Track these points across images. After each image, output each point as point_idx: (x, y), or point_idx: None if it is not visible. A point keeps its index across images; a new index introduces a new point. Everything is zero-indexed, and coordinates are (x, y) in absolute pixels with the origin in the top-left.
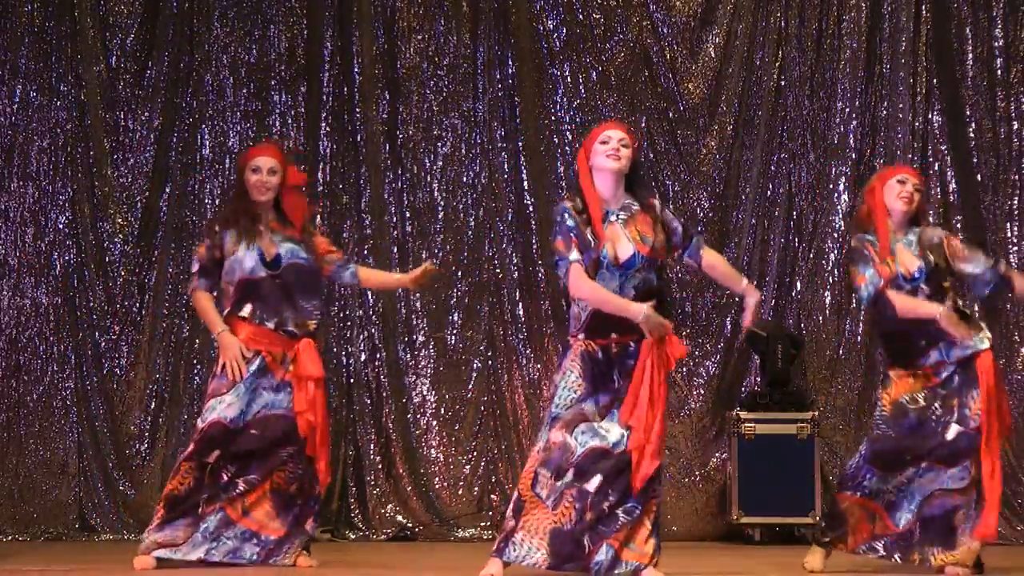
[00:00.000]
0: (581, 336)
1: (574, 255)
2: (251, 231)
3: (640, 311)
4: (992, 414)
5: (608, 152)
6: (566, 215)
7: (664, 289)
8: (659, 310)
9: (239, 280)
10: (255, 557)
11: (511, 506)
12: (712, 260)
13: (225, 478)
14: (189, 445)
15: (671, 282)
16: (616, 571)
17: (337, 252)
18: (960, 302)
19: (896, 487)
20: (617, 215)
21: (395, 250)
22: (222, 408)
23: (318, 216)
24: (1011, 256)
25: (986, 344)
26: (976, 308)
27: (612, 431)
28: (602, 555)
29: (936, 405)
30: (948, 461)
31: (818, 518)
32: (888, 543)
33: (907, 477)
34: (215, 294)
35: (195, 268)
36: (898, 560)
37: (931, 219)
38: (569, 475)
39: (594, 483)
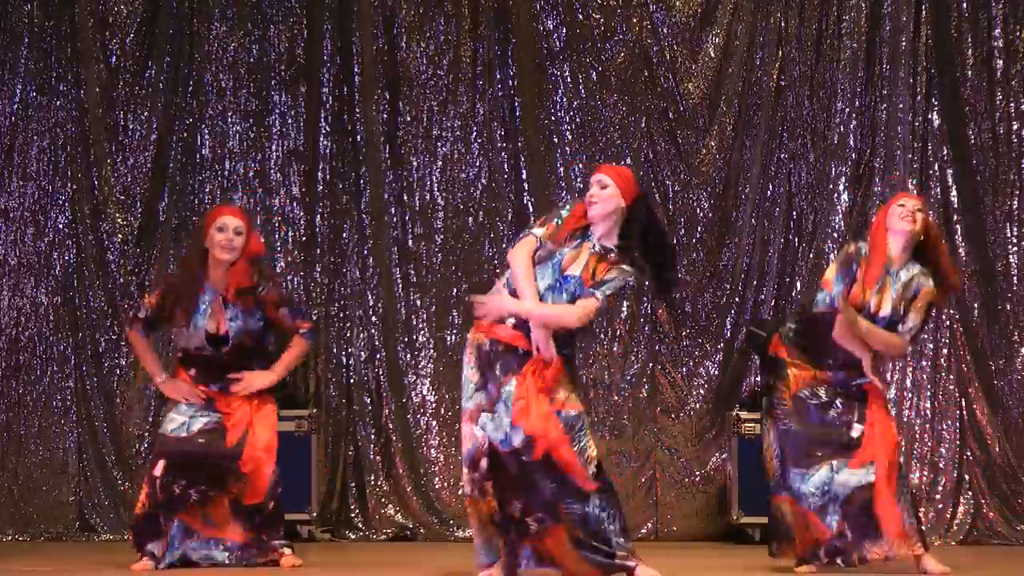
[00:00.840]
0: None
1: (538, 231)
2: (197, 306)
3: (533, 310)
4: (883, 447)
5: (589, 196)
6: (565, 210)
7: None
8: (562, 344)
9: (184, 349)
10: (227, 561)
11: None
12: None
13: (177, 491)
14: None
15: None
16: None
17: (286, 326)
18: None
19: (819, 491)
20: (596, 242)
21: (395, 250)
22: (165, 423)
23: (300, 241)
24: (1011, 257)
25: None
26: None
27: (500, 428)
28: (526, 554)
29: (837, 402)
30: (858, 456)
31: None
32: (827, 549)
33: (825, 478)
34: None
35: (141, 314)
36: (841, 564)
37: (940, 263)
38: (483, 465)
39: (499, 480)
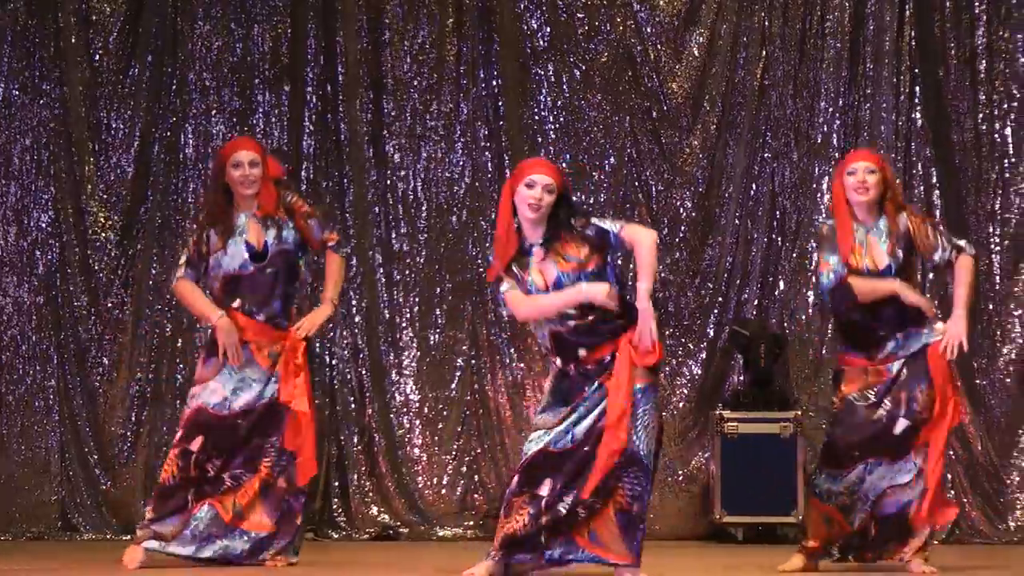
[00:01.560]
0: (557, 360)
1: (504, 286)
2: (233, 227)
3: (591, 287)
4: (944, 405)
5: (530, 200)
6: (493, 256)
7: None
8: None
9: (224, 276)
10: (243, 553)
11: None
12: (633, 240)
13: (211, 472)
14: (177, 432)
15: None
16: (570, 557)
17: (314, 241)
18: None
19: (848, 489)
20: (538, 244)
21: (378, 249)
22: (206, 395)
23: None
24: (994, 256)
25: (936, 336)
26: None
27: (564, 434)
28: (552, 552)
29: (886, 400)
30: (894, 455)
31: (800, 518)
32: (842, 545)
33: (857, 476)
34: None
35: (182, 259)
36: (851, 559)
37: (900, 198)
38: (514, 482)
39: (545, 488)
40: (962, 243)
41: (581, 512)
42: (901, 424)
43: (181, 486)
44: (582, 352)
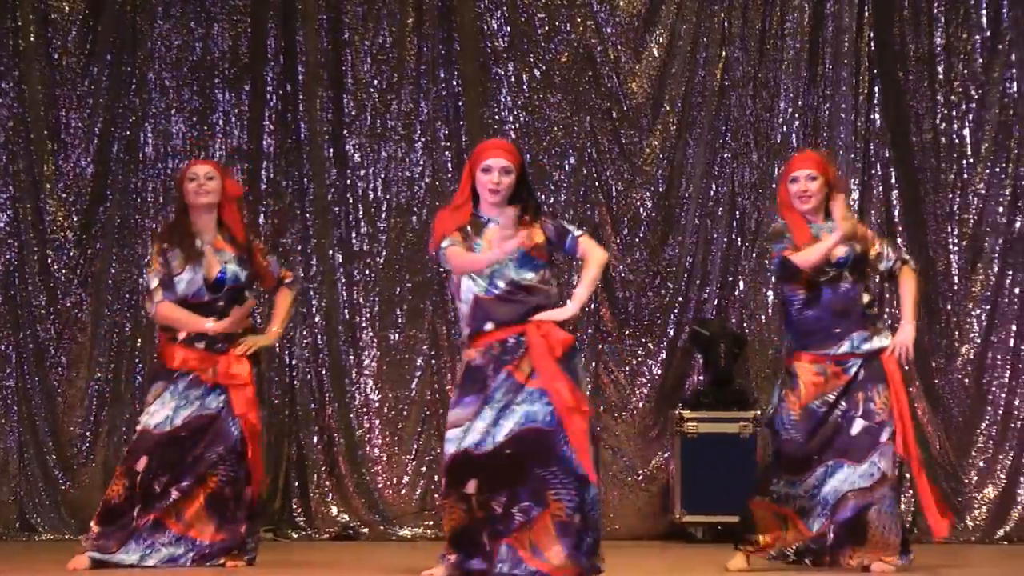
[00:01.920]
0: (465, 334)
1: (445, 242)
2: (194, 252)
3: (499, 247)
4: (899, 417)
5: (490, 185)
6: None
7: (543, 287)
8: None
9: (177, 300)
10: (189, 562)
11: None
12: (587, 252)
13: (158, 489)
14: (125, 449)
15: (558, 285)
16: (516, 572)
17: (267, 280)
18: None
19: (807, 492)
20: (496, 220)
21: (338, 249)
22: (146, 418)
23: (260, 224)
24: (952, 256)
25: (887, 341)
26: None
27: (476, 431)
28: (502, 555)
29: (842, 402)
30: (854, 457)
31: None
32: (799, 548)
33: (817, 479)
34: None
35: (154, 284)
36: (808, 564)
37: (847, 207)
38: (442, 487)
39: (471, 485)
40: (907, 256)
41: (518, 516)
42: (858, 425)
43: (127, 503)
44: (489, 326)
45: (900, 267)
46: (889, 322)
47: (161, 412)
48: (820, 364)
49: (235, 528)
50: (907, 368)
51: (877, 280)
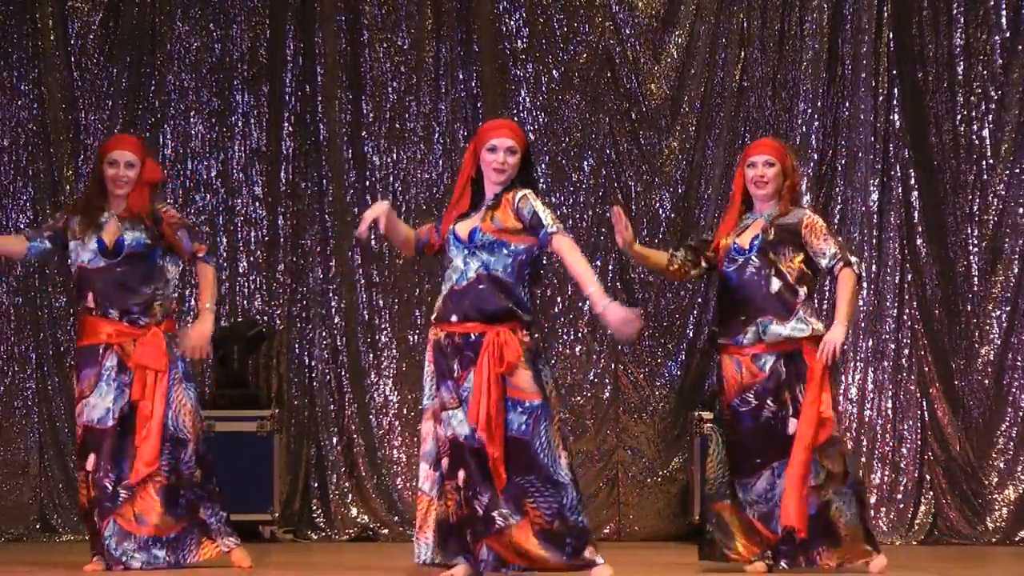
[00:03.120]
0: (434, 319)
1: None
2: (96, 221)
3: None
4: (805, 413)
5: (495, 165)
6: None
7: (514, 282)
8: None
9: (77, 269)
10: (166, 560)
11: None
12: (561, 253)
13: (109, 487)
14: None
15: (540, 278)
16: (504, 569)
17: (182, 250)
18: (792, 278)
19: (762, 497)
20: (486, 204)
21: (357, 250)
22: (88, 411)
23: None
24: (972, 257)
25: (805, 331)
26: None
27: (465, 424)
28: (484, 555)
29: (768, 401)
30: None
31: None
32: (773, 552)
33: (767, 483)
34: (30, 242)
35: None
36: (785, 566)
37: (795, 202)
38: (444, 464)
39: (461, 477)
40: (852, 259)
41: (499, 521)
42: (792, 424)
43: (90, 505)
44: (454, 318)
45: (840, 268)
46: (825, 317)
47: (100, 405)
48: (736, 358)
49: (193, 514)
50: (828, 363)
51: (812, 274)
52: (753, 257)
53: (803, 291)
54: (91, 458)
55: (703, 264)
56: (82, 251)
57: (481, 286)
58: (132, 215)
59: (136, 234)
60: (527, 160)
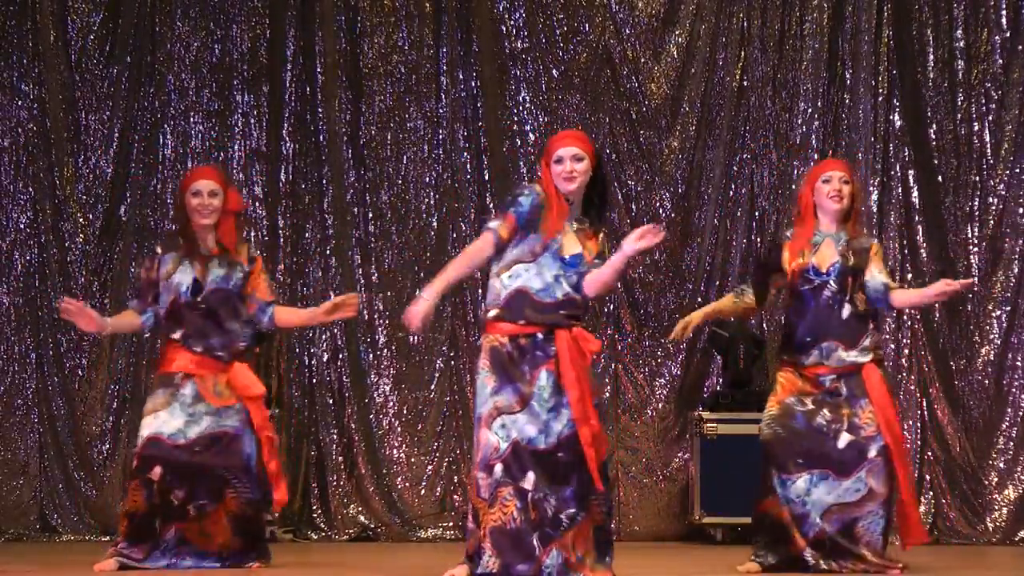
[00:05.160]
0: (491, 315)
1: (494, 224)
2: (190, 255)
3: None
4: (886, 427)
5: (564, 175)
6: (526, 197)
7: (582, 308)
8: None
9: (170, 304)
10: (214, 567)
11: (470, 517)
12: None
13: (175, 502)
14: (133, 462)
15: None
16: None
17: (264, 293)
18: (862, 306)
19: (798, 497)
20: (571, 223)
21: (357, 250)
22: (157, 424)
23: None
24: (972, 257)
25: (867, 357)
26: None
27: (532, 427)
28: (552, 559)
29: (825, 411)
30: (840, 470)
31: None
32: (812, 552)
33: (804, 487)
34: (143, 315)
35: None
36: (823, 566)
37: (864, 225)
38: (498, 471)
39: (529, 480)
40: (895, 283)
41: (564, 521)
42: (844, 439)
43: (148, 513)
44: (521, 321)
45: (893, 289)
46: (888, 339)
47: (172, 422)
48: (796, 371)
49: (258, 535)
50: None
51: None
52: (832, 282)
53: (871, 321)
54: (157, 469)
55: (772, 290)
56: (175, 288)
57: (563, 310)
58: (222, 250)
59: (219, 272)
60: (599, 177)
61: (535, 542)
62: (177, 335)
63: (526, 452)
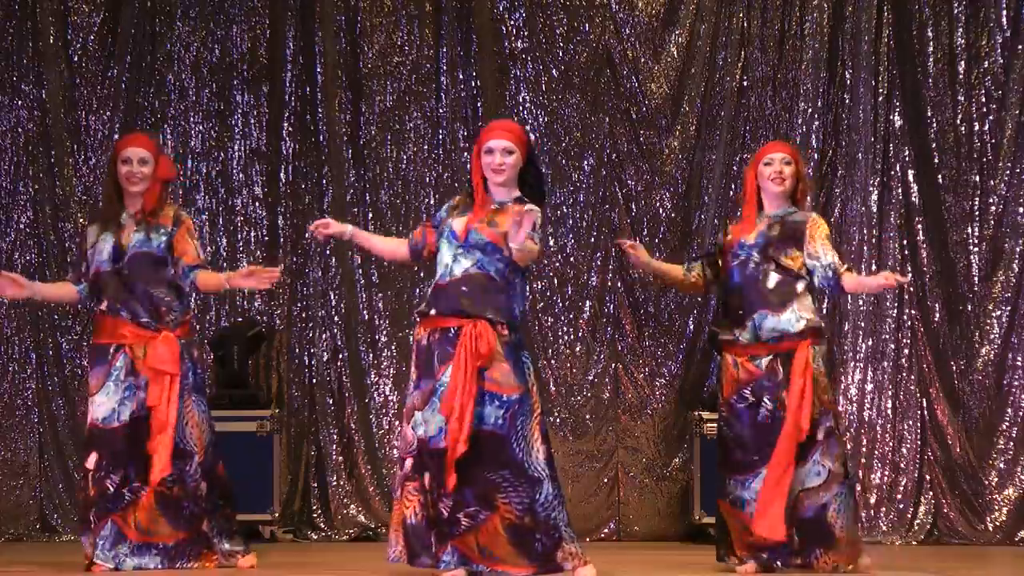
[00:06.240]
0: (418, 313)
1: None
2: (112, 223)
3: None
4: (792, 412)
5: (493, 166)
6: (443, 208)
7: (505, 283)
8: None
9: (92, 274)
10: (160, 565)
11: None
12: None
13: (111, 488)
14: None
15: (523, 282)
16: (467, 568)
17: (190, 257)
18: (782, 276)
19: (759, 496)
20: (490, 208)
21: (357, 250)
22: (94, 409)
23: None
24: (972, 257)
25: (801, 324)
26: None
27: (431, 423)
28: (448, 556)
29: (765, 399)
30: (796, 457)
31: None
32: (770, 553)
33: (760, 485)
34: (78, 285)
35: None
36: (779, 566)
37: (809, 202)
38: (407, 465)
39: (426, 478)
40: (847, 266)
41: (464, 522)
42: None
43: (84, 506)
44: (433, 312)
45: (844, 271)
46: (825, 310)
47: (106, 404)
48: (733, 356)
49: (195, 526)
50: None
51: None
52: (755, 253)
53: (800, 285)
54: (93, 457)
55: (719, 272)
56: (97, 256)
57: (465, 286)
58: (144, 215)
59: (146, 235)
60: (529, 158)
61: (432, 539)
62: (103, 306)
63: (426, 450)
